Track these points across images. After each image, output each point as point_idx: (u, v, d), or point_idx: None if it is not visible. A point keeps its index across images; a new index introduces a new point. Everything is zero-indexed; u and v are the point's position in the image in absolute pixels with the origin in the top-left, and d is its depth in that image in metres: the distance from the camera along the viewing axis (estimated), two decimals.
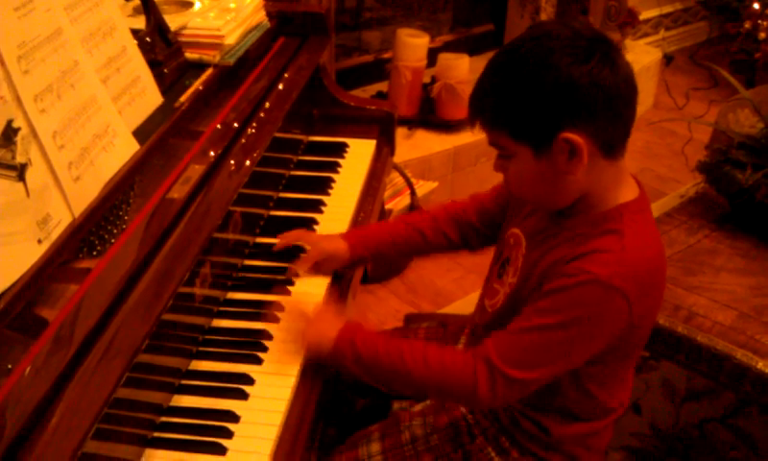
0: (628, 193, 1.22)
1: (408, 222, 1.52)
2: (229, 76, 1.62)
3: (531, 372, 1.18)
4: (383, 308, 2.62)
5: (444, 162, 3.13)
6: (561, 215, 1.24)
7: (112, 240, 1.15)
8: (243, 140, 1.48)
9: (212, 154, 1.38)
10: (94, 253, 1.12)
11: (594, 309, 1.15)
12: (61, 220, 1.09)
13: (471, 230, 1.50)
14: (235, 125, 1.48)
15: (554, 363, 1.19)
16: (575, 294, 1.15)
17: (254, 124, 1.54)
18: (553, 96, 1.11)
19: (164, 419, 1.17)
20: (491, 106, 1.18)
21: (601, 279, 1.13)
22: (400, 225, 1.52)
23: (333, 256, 1.49)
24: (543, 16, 3.65)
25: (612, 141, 1.16)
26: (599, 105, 1.12)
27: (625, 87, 1.15)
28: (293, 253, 1.53)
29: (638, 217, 1.20)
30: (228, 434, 1.14)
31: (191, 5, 1.72)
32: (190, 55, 1.60)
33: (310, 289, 1.45)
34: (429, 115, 3.21)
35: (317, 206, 1.69)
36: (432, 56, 3.21)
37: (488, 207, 1.49)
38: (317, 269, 1.49)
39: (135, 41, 1.42)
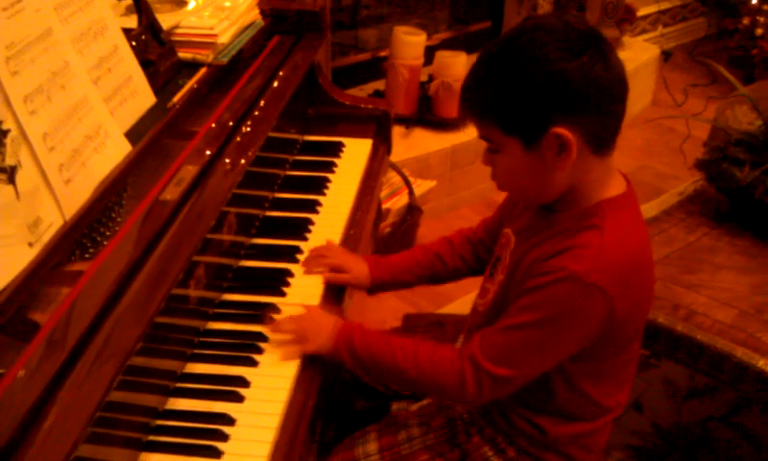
0: (613, 188, 1.21)
1: (426, 248, 1.53)
2: (223, 75, 1.61)
3: (514, 369, 1.19)
4: (382, 307, 2.60)
5: (442, 161, 3.11)
6: (547, 211, 1.23)
7: (105, 242, 1.13)
8: (237, 140, 1.47)
9: (206, 154, 1.36)
10: (86, 255, 1.11)
11: (572, 305, 1.14)
12: (53, 223, 1.08)
13: (483, 248, 1.50)
14: (229, 124, 1.47)
15: (536, 359, 1.20)
16: (553, 291, 1.14)
17: (249, 123, 1.52)
18: (544, 90, 1.11)
19: (159, 422, 1.16)
20: (482, 98, 1.18)
21: (578, 275, 1.12)
22: (418, 251, 1.53)
23: (355, 275, 1.49)
24: (540, 13, 3.63)
25: (601, 137, 1.16)
26: (590, 100, 1.11)
27: (617, 83, 1.14)
28: (289, 253, 1.52)
29: (622, 212, 1.19)
30: (224, 437, 1.13)
31: (185, 4, 1.71)
32: (183, 54, 1.58)
33: (306, 290, 1.44)
34: (427, 114, 3.20)
35: (312, 207, 1.67)
36: (429, 53, 3.20)
37: (494, 223, 1.48)
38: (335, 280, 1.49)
39: (127, 41, 1.41)
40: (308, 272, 1.48)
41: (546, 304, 1.15)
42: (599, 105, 1.12)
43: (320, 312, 1.35)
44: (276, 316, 1.35)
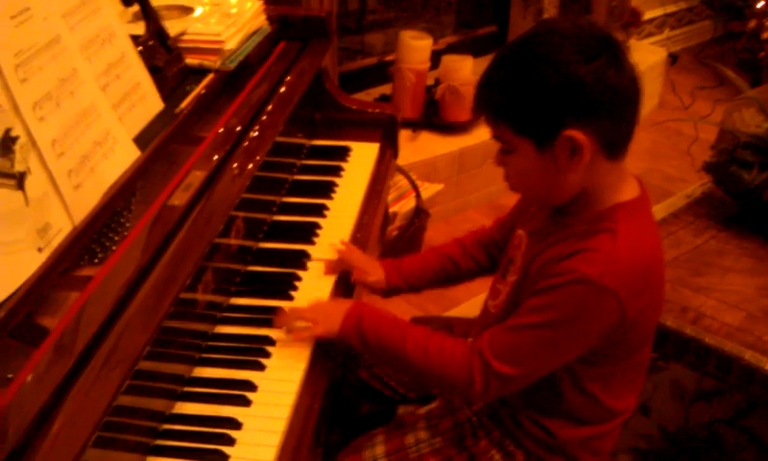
0: (627, 192, 1.21)
1: (438, 250, 1.54)
2: (230, 81, 1.61)
3: (520, 368, 1.20)
4: (389, 310, 2.60)
5: (450, 164, 3.11)
6: (560, 214, 1.24)
7: (113, 247, 1.14)
8: (245, 145, 1.47)
9: (214, 159, 1.37)
10: (95, 260, 1.12)
11: (583, 308, 1.15)
12: (62, 228, 1.09)
13: (496, 247, 1.50)
14: (237, 130, 1.48)
15: (543, 360, 1.21)
16: (564, 293, 1.15)
17: (256, 128, 1.53)
18: (558, 93, 1.11)
19: (166, 426, 1.16)
20: (496, 99, 1.18)
21: (590, 277, 1.13)
22: (431, 254, 1.54)
23: (374, 279, 1.51)
24: (546, 17, 3.63)
25: (614, 142, 1.16)
26: (604, 104, 1.12)
27: (630, 88, 1.14)
28: (296, 258, 1.53)
29: (635, 216, 1.19)
30: (231, 441, 1.14)
31: (192, 10, 1.72)
32: (191, 60, 1.59)
33: (314, 294, 1.44)
34: (433, 117, 3.20)
35: (320, 211, 1.68)
36: (435, 58, 3.20)
37: (507, 223, 1.48)
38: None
39: (135, 48, 1.42)
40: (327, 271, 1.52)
41: (557, 306, 1.16)
42: (612, 109, 1.13)
43: (331, 300, 1.37)
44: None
